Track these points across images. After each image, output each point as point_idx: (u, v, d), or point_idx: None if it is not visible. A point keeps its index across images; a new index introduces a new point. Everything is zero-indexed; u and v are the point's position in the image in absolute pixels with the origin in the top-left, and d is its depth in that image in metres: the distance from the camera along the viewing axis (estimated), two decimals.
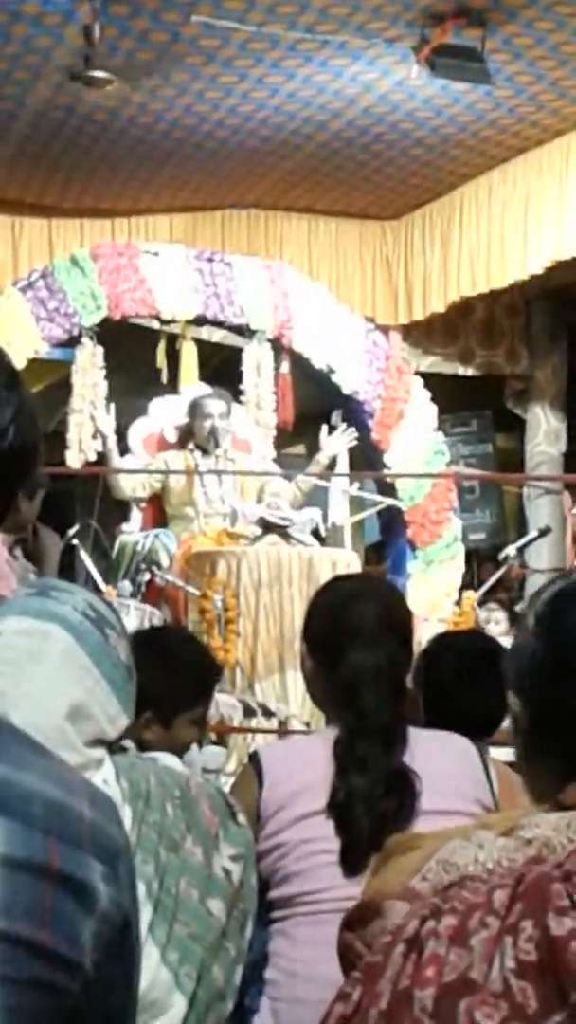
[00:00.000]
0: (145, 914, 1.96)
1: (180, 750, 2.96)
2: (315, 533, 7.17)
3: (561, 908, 1.03)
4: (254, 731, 5.58)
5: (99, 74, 6.61)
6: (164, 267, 8.26)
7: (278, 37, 6.79)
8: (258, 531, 6.99)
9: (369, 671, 2.61)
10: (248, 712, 5.64)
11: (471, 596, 7.30)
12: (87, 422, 8.00)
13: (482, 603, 7.60)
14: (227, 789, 4.95)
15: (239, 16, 6.56)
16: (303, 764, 2.65)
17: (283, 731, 5.49)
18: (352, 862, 2.52)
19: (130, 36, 6.73)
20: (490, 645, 3.53)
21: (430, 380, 9.06)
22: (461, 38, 6.71)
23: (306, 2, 6.42)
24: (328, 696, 2.70)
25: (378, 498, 8.39)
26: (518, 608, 7.47)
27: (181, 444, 7.77)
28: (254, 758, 2.73)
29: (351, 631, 2.64)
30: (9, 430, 1.21)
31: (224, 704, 5.53)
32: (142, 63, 7.00)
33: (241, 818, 2.20)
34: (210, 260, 8.42)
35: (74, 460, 7.99)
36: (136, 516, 7.76)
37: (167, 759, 2.27)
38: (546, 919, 1.02)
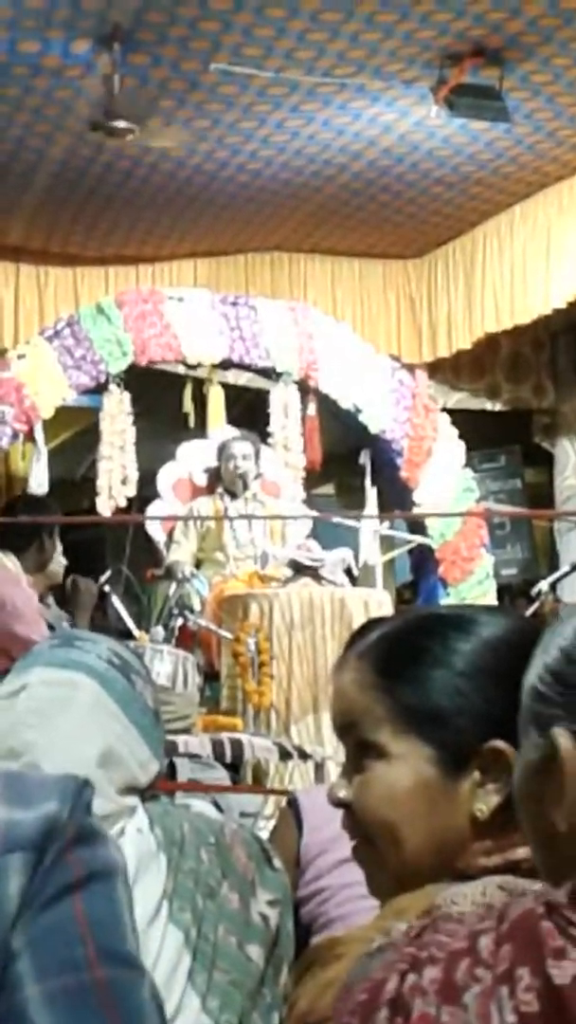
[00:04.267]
0: (184, 962, 1.96)
1: None
2: (347, 573, 7.17)
3: (558, 950, 0.93)
4: (284, 793, 5.56)
5: (120, 124, 6.67)
6: (189, 312, 8.30)
7: (296, 82, 6.84)
8: (289, 573, 6.99)
9: None
10: (284, 755, 5.61)
11: None
12: (116, 469, 8.03)
13: None
14: (264, 834, 4.94)
15: (257, 62, 6.61)
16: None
17: (319, 778, 5.47)
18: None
19: (150, 85, 6.79)
20: None
21: (457, 417, 9.07)
22: (479, 77, 6.75)
23: (324, 47, 6.47)
24: None
25: (408, 536, 8.39)
26: None
27: (210, 488, 7.79)
28: (293, 803, 2.72)
29: None
30: None
31: (260, 748, 5.51)
32: (162, 111, 7.06)
33: (277, 863, 2.19)
34: (234, 304, 8.46)
35: (104, 507, 8.02)
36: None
37: (200, 805, 2.26)
38: (545, 966, 0.93)
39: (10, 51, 6.40)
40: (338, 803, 1.36)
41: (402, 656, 1.48)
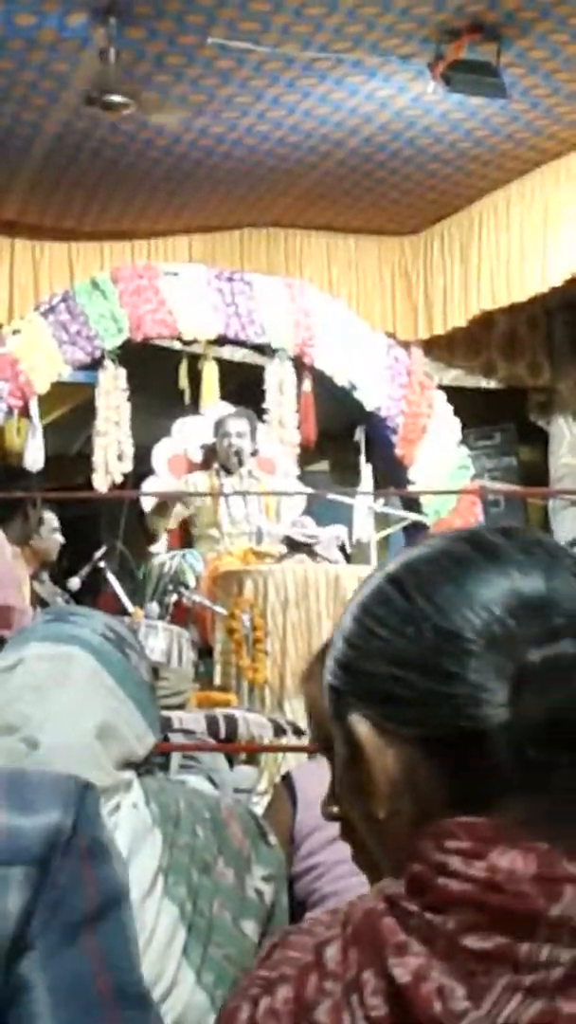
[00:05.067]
0: (179, 936, 1.97)
1: None
2: (341, 550, 7.17)
3: (399, 946, 0.89)
4: (284, 749, 5.57)
5: (116, 98, 6.64)
6: (184, 288, 8.29)
7: (293, 57, 6.81)
8: (284, 549, 6.99)
9: None
10: (278, 731, 5.62)
11: None
12: (112, 444, 8.03)
13: None
14: (259, 809, 4.95)
15: (254, 37, 6.58)
16: None
17: (313, 750, 5.47)
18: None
19: (146, 59, 6.76)
20: None
21: (452, 394, 9.06)
22: (476, 53, 6.72)
23: (320, 22, 6.44)
24: None
25: (403, 514, 8.39)
26: None
27: (205, 464, 7.79)
28: (287, 780, 2.73)
29: None
30: None
31: (254, 723, 5.52)
32: (159, 85, 7.03)
33: (272, 839, 2.20)
34: (230, 280, 8.45)
35: (100, 483, 8.02)
36: (162, 537, 7.78)
37: (196, 781, 2.27)
38: (387, 965, 0.89)
39: (6, 24, 6.36)
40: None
41: None
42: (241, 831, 2.13)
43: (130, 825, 1.98)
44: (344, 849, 2.70)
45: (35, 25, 6.38)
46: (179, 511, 7.62)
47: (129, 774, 2.00)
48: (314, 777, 2.80)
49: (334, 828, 2.76)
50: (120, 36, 6.40)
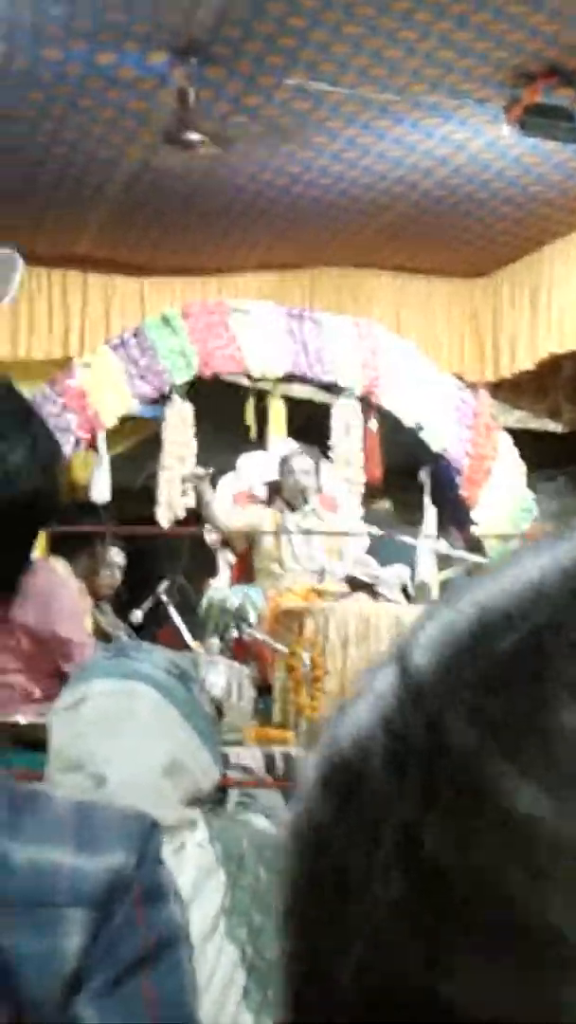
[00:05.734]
0: (239, 979, 1.97)
1: None
2: (403, 590, 7.16)
3: None
4: None
5: (193, 137, 6.70)
6: (254, 325, 8.32)
7: (370, 99, 6.85)
8: (346, 588, 6.99)
9: None
10: None
11: None
12: (177, 479, 8.06)
13: None
14: None
15: (332, 78, 6.63)
16: None
17: None
18: None
19: (224, 99, 6.82)
20: None
21: (517, 436, 9.04)
22: (552, 97, 6.73)
23: (398, 64, 6.48)
24: None
25: (466, 555, 8.35)
26: None
27: (269, 500, 7.80)
28: None
29: None
30: (21, 473, 1.13)
31: None
32: (236, 125, 7.09)
33: None
34: (299, 318, 8.47)
35: (163, 518, 8.04)
36: (224, 571, 7.79)
37: (259, 820, 2.28)
38: None
39: (87, 63, 6.45)
40: None
41: None
42: None
43: (195, 864, 1.99)
44: None
45: (115, 64, 6.46)
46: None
47: (195, 812, 2.01)
48: None
49: None
50: (199, 76, 6.47)
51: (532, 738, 0.36)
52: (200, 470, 7.55)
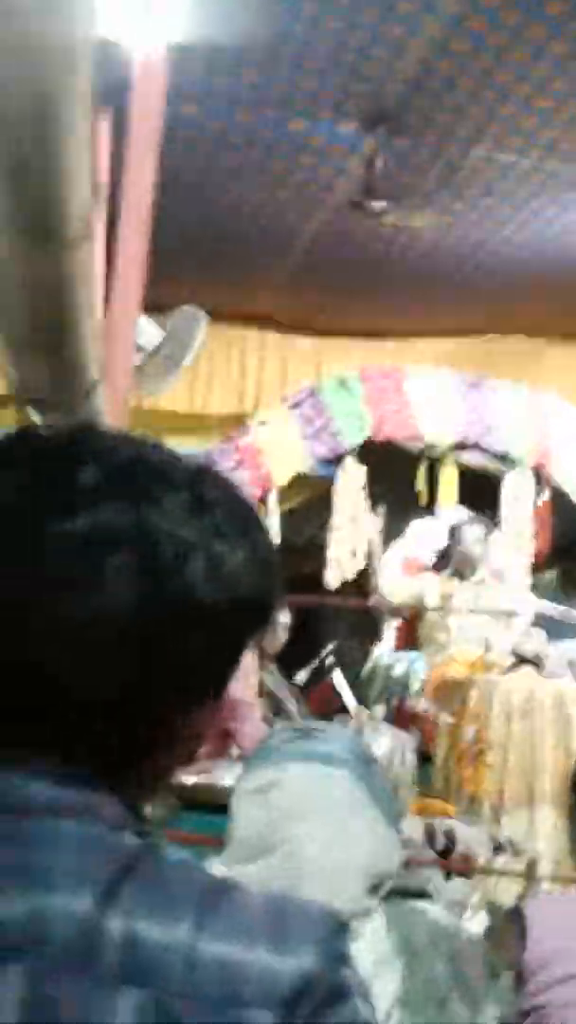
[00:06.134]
0: None
1: None
2: (570, 666, 7.06)
3: None
4: (500, 872, 5.48)
5: (378, 204, 6.75)
6: (429, 391, 8.32)
7: (557, 171, 6.83)
8: (512, 661, 6.92)
9: None
10: (497, 848, 5.54)
11: None
12: (347, 541, 8.07)
13: None
14: (473, 925, 4.87)
15: (520, 150, 6.63)
16: (569, 922, 2.59)
17: (531, 875, 5.37)
18: None
19: (410, 167, 6.86)
20: None
21: None
22: None
23: None
24: None
25: None
26: None
27: (437, 568, 7.77)
28: (516, 912, 2.68)
29: None
30: (238, 579, 1.11)
31: (472, 838, 5.45)
32: (421, 193, 7.12)
33: (505, 979, 2.17)
34: (474, 386, 8.45)
35: (332, 578, 8.06)
36: (389, 636, 7.77)
37: (436, 911, 2.25)
38: None
39: (277, 127, 6.54)
40: None
41: None
42: (478, 968, 2.10)
43: (370, 953, 1.97)
44: (574, 991, 2.63)
45: (306, 131, 6.55)
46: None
47: (375, 901, 1.99)
48: (545, 911, 2.75)
49: (564, 967, 2.70)
50: (388, 144, 6.52)
51: None
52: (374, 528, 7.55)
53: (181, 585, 1.08)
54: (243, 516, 1.15)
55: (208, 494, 1.13)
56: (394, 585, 7.70)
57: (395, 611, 7.61)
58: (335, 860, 1.89)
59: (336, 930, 1.10)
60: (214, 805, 3.78)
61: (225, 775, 4.65)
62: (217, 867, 1.90)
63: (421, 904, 2.28)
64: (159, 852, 1.09)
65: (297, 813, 1.92)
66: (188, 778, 4.58)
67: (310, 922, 1.09)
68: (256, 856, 1.89)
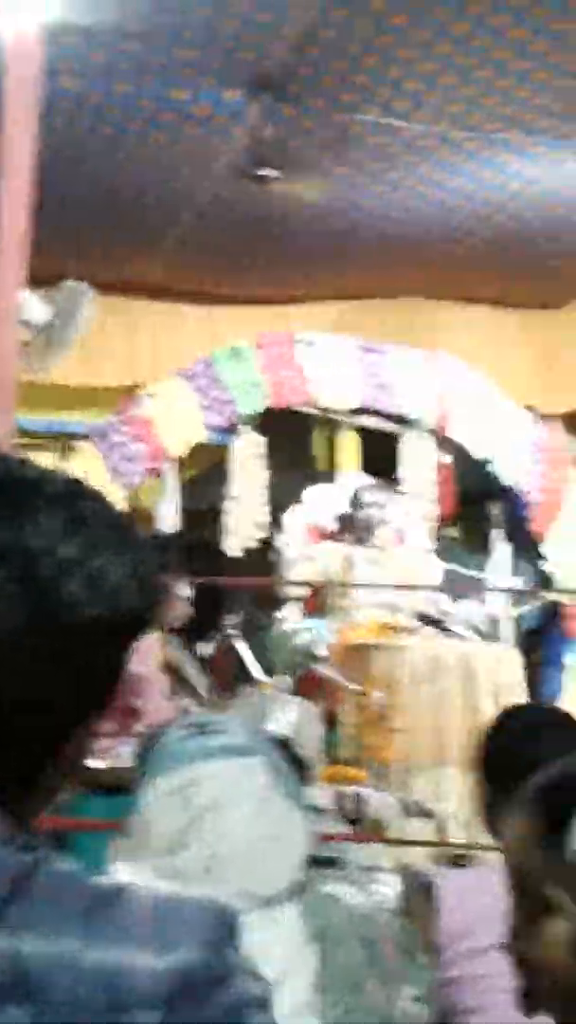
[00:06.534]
0: None
1: None
2: (474, 628, 7.12)
3: None
4: (409, 843, 5.52)
5: (266, 172, 6.72)
6: (324, 357, 8.32)
7: (444, 135, 6.83)
8: (416, 624, 6.96)
9: None
10: (406, 811, 5.58)
11: None
12: (246, 511, 8.06)
13: None
14: (385, 889, 4.89)
15: (406, 115, 6.62)
16: (478, 896, 2.61)
17: (442, 843, 5.42)
18: (530, 1002, 2.47)
19: (297, 134, 6.82)
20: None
21: None
22: None
23: (473, 102, 6.46)
24: (504, 828, 2.66)
25: (537, 591, 8.32)
26: None
27: (339, 533, 7.79)
28: (428, 887, 2.70)
29: (531, 762, 2.59)
30: (120, 591, 1.13)
31: (382, 804, 5.49)
32: (308, 160, 7.09)
33: (422, 958, 2.18)
34: (370, 350, 8.46)
35: (232, 548, 8.05)
36: (294, 605, 7.78)
37: (351, 896, 2.26)
38: None
39: (161, 98, 6.48)
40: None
41: None
42: (393, 950, 2.12)
43: (286, 942, 1.98)
44: (488, 963, 2.66)
45: (189, 100, 6.48)
46: (307, 570, 7.64)
47: (291, 884, 2.00)
48: (455, 885, 2.77)
49: (476, 939, 2.73)
50: (273, 112, 6.48)
51: None
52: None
53: (61, 602, 1.09)
54: (121, 529, 1.16)
55: (84, 509, 1.14)
56: (296, 555, 7.71)
57: (298, 594, 7.63)
58: (260, 846, 1.91)
59: (223, 923, 1.11)
60: (118, 787, 3.76)
61: (130, 757, 4.62)
62: (122, 867, 1.89)
63: (336, 890, 2.30)
64: (48, 865, 1.09)
65: (219, 805, 1.93)
66: (92, 761, 4.55)
67: (193, 918, 1.10)
68: (178, 849, 1.89)
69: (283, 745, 2.21)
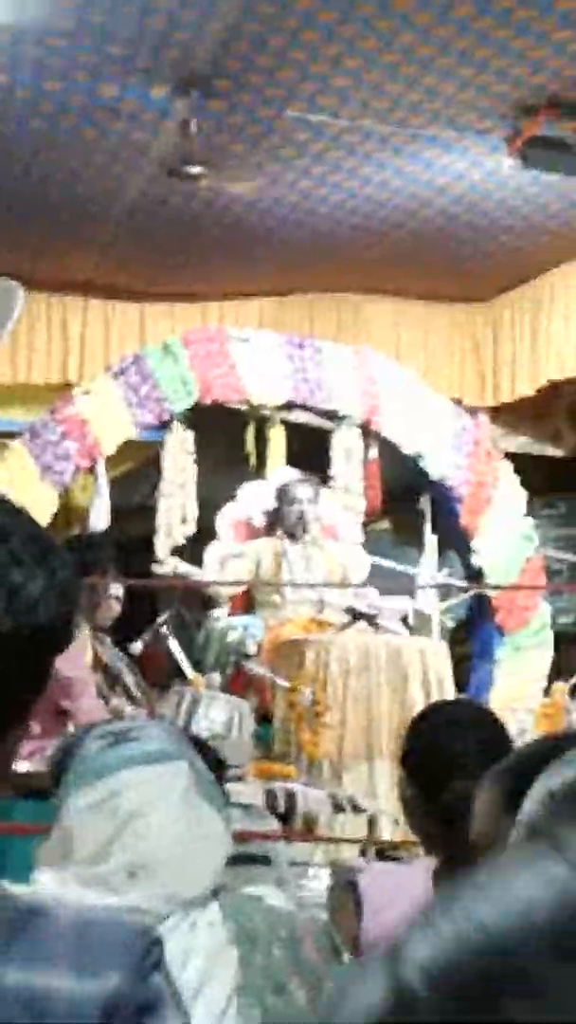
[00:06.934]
0: None
1: None
2: (403, 621, 7.15)
3: None
4: (338, 841, 5.54)
5: (194, 169, 6.71)
6: (254, 353, 8.32)
7: (370, 130, 6.86)
8: (346, 619, 6.99)
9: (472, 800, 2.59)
10: (337, 807, 5.60)
11: (562, 687, 7.21)
12: (176, 507, 8.05)
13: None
14: (315, 883, 4.90)
15: (332, 111, 6.64)
16: (402, 893, 2.63)
17: (371, 840, 5.43)
18: None
19: (225, 130, 6.83)
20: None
21: (518, 461, 9.03)
22: (553, 130, 6.74)
23: (399, 97, 6.50)
24: (428, 824, 2.69)
25: (466, 585, 8.36)
26: None
27: (269, 530, 7.80)
28: (352, 885, 2.72)
29: (454, 759, 2.62)
30: (37, 607, 1.13)
31: (313, 799, 5.51)
32: (236, 156, 7.10)
33: (346, 957, 2.20)
34: (300, 346, 8.46)
35: (162, 546, 8.03)
36: (224, 602, 7.78)
37: (273, 897, 2.27)
38: None
39: (90, 95, 6.46)
40: None
41: None
42: (316, 950, 2.13)
43: (206, 945, 1.98)
44: None
45: (118, 96, 6.47)
46: (238, 567, 7.64)
47: (212, 886, 2.01)
48: (379, 882, 2.79)
49: None
50: (200, 108, 6.48)
51: None
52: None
53: None
54: (40, 542, 1.16)
55: (5, 523, 1.13)
56: (227, 552, 7.72)
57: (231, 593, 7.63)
58: (183, 849, 1.92)
59: (145, 946, 1.11)
60: (47, 791, 3.76)
61: None
62: (45, 874, 1.89)
63: (258, 891, 2.30)
64: None
65: (143, 812, 1.93)
66: (21, 764, 4.53)
67: (117, 941, 1.10)
68: (105, 857, 1.90)
69: (202, 746, 2.22)
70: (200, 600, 7.97)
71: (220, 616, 7.57)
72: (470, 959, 0.39)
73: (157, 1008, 1.08)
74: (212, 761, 2.18)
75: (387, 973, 0.41)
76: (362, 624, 6.99)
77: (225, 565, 7.68)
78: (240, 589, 7.70)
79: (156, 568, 7.40)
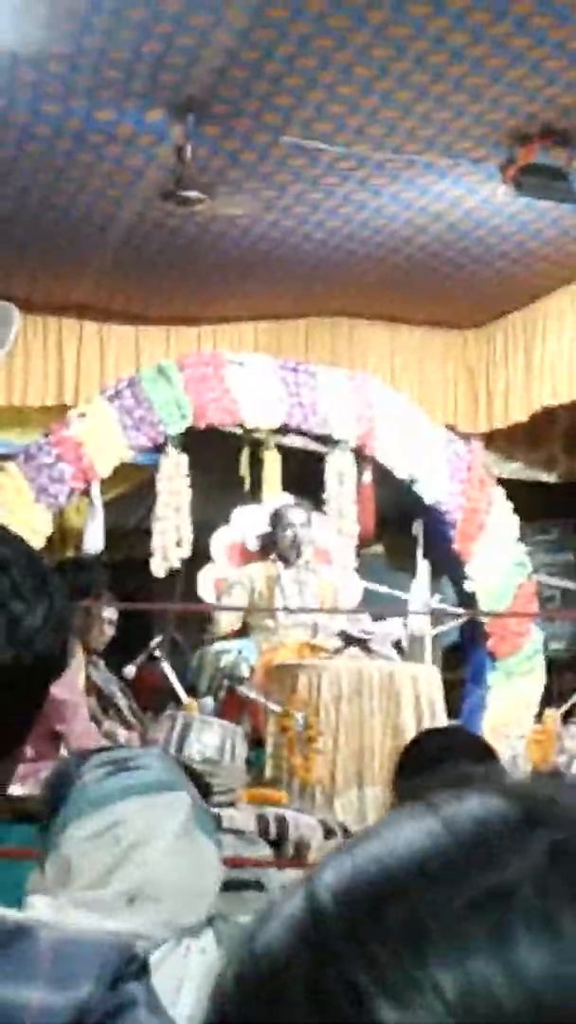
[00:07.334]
0: None
1: None
2: (396, 646, 7.15)
3: None
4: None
5: (190, 193, 6.73)
6: (249, 377, 8.33)
7: (366, 157, 6.89)
8: (339, 644, 6.98)
9: None
10: (328, 833, 5.59)
11: (553, 713, 7.21)
12: (171, 530, 8.05)
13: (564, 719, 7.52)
14: None
15: (328, 137, 6.67)
16: None
17: None
18: None
19: (221, 155, 6.85)
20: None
21: (511, 487, 9.05)
22: (547, 158, 6.77)
23: (394, 124, 6.53)
24: None
25: (459, 611, 8.36)
26: None
27: (263, 554, 7.80)
28: None
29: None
30: (36, 637, 1.14)
31: (304, 825, 5.50)
32: (232, 181, 7.12)
33: None
34: (295, 370, 8.48)
35: (157, 568, 8.03)
36: (220, 626, 7.77)
37: None
38: None
39: (86, 118, 6.48)
40: None
41: None
42: None
43: (198, 972, 1.98)
44: None
45: (114, 120, 6.50)
46: (238, 594, 7.65)
47: (206, 915, 2.02)
48: None
49: None
50: (196, 133, 6.50)
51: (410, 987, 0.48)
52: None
53: None
54: (39, 572, 1.17)
55: (5, 553, 1.13)
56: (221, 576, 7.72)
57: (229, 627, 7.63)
58: (181, 877, 1.93)
59: (120, 958, 1.11)
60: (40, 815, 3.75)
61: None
62: (39, 900, 1.89)
63: (251, 918, 2.30)
64: None
65: (144, 841, 1.94)
66: (15, 788, 4.52)
67: (93, 955, 1.11)
68: (104, 885, 1.90)
69: (190, 772, 2.22)
70: (195, 625, 7.97)
71: (215, 640, 7.56)
72: (364, 880, 0.52)
73: (130, 1009, 1.09)
74: (200, 787, 2.19)
75: (305, 892, 0.53)
76: (355, 649, 6.99)
77: (227, 595, 7.69)
78: (237, 617, 7.69)
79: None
